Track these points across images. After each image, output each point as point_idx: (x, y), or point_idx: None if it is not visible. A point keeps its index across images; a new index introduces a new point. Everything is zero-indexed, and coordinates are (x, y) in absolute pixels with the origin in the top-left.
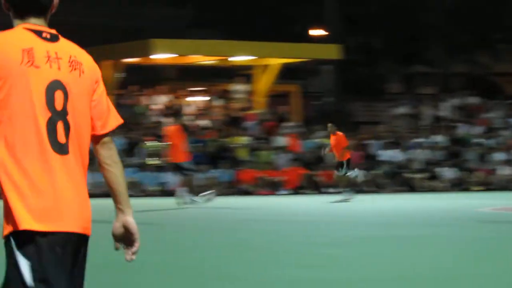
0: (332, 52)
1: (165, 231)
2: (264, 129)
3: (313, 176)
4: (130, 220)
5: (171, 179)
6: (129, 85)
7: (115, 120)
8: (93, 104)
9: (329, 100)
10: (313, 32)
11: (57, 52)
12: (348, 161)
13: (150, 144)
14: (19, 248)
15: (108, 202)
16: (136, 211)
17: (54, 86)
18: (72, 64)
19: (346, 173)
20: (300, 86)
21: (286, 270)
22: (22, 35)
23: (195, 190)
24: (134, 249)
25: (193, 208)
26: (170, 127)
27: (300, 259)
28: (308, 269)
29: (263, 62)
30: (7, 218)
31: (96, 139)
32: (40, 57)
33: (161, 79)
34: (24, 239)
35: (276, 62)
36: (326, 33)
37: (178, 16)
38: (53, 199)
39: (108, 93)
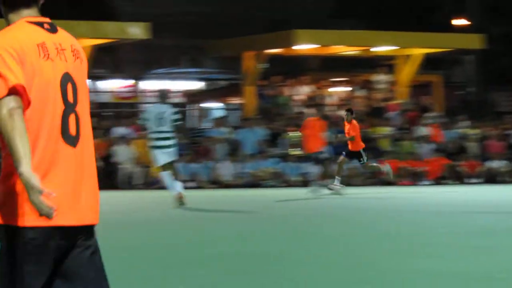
0: (475, 42)
1: (308, 222)
2: (406, 119)
3: (455, 167)
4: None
5: (313, 169)
6: (271, 76)
7: None
8: None
9: (471, 90)
10: (455, 21)
11: (60, 43)
12: (363, 150)
13: (292, 134)
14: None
15: (251, 193)
16: (279, 201)
17: (66, 78)
18: (74, 53)
19: (365, 162)
20: (443, 76)
21: (429, 262)
22: (29, 29)
23: (329, 179)
24: None
25: (333, 198)
26: (310, 118)
27: (443, 250)
28: (452, 261)
29: (406, 52)
30: (17, 209)
31: None
32: (52, 50)
33: (304, 69)
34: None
35: (419, 52)
36: (469, 22)
37: (320, 6)
38: (67, 192)
39: (251, 84)
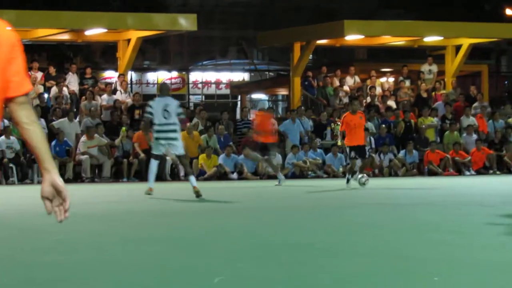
0: None
1: (352, 212)
2: (452, 109)
3: (502, 157)
4: (57, 178)
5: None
6: (320, 66)
7: (28, 83)
8: (11, 67)
9: None
10: (504, 11)
11: None
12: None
13: (338, 125)
14: None
15: (296, 184)
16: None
17: None
18: None
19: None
20: (490, 66)
21: (475, 252)
22: None
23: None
24: (66, 206)
25: (375, 189)
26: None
27: (490, 241)
28: (500, 251)
29: (454, 42)
30: None
31: (13, 101)
32: None
33: (352, 60)
34: None
35: (467, 42)
36: None
37: None
38: None
39: (298, 75)
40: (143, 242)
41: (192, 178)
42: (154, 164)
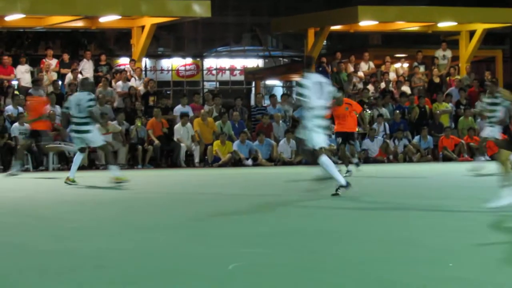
0: None
1: (366, 199)
2: (466, 95)
3: None
4: None
5: (373, 146)
6: (334, 52)
7: None
8: None
9: None
10: None
11: None
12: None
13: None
14: None
15: (311, 170)
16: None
17: None
18: None
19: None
20: (504, 51)
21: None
22: None
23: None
24: None
25: (389, 176)
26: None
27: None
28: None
29: (468, 27)
30: None
31: None
32: None
33: (366, 46)
34: None
35: (481, 27)
36: None
37: None
38: None
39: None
40: (156, 229)
41: (113, 167)
42: (78, 157)
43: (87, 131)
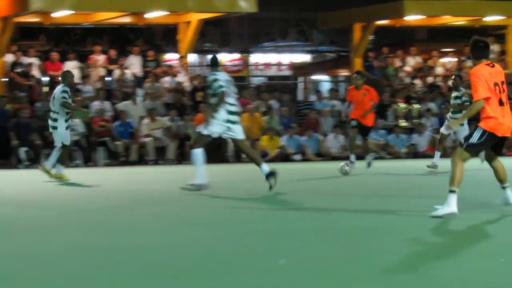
0: None
1: (410, 194)
2: None
3: None
4: None
5: (421, 141)
6: (380, 47)
7: None
8: None
9: None
10: None
11: None
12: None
13: (402, 106)
14: None
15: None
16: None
17: None
18: None
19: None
20: None
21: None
22: None
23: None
24: None
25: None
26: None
27: None
28: None
29: None
30: None
31: None
32: None
33: (412, 40)
34: None
35: None
36: None
37: None
38: None
39: (359, 56)
40: (201, 225)
41: (60, 167)
42: (64, 151)
43: (55, 128)
